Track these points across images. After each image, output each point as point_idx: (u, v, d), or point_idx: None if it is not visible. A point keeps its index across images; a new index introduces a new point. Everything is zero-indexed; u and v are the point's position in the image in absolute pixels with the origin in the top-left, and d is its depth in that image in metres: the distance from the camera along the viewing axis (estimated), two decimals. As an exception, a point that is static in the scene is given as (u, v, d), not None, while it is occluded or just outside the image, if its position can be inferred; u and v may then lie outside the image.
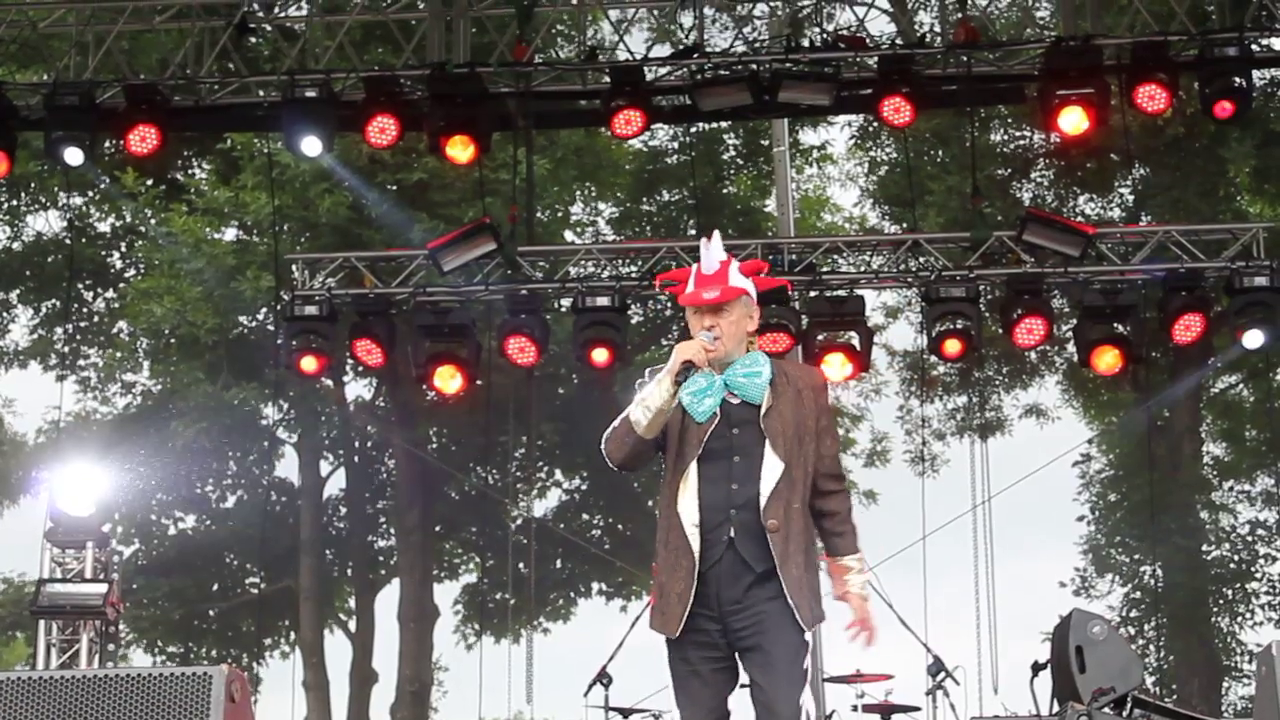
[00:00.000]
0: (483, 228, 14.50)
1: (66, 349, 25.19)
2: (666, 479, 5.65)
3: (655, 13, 15.28)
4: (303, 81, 13.59)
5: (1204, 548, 24.73)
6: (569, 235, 25.02)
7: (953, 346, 14.64)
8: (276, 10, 15.37)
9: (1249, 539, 25.47)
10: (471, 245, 14.35)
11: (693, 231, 24.44)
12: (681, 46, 13.85)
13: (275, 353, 18.43)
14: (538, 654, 22.40)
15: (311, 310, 14.83)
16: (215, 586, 27.18)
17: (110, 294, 25.55)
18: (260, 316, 24.05)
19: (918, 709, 11.78)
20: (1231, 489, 26.66)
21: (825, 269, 15.05)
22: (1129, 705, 10.69)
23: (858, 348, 14.87)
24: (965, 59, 13.49)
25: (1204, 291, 14.63)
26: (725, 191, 25.82)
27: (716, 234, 5.87)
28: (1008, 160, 24.39)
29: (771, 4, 16.23)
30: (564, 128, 20.74)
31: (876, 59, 13.54)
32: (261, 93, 14.03)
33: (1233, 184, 23.18)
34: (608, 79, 13.65)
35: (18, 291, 25.30)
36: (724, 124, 24.02)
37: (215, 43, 14.04)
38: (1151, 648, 24.18)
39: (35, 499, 25.22)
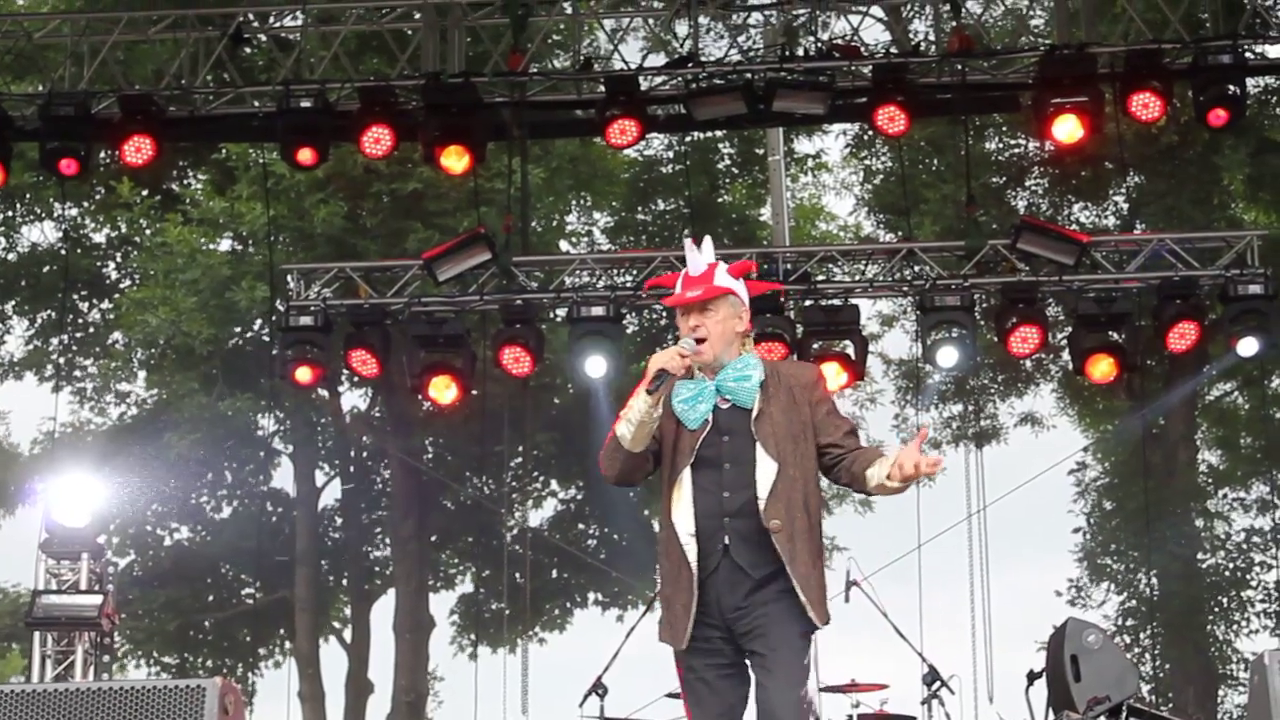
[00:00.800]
0: (477, 238, 14.51)
1: (62, 360, 25.16)
2: (662, 489, 5.65)
3: (650, 22, 15.29)
4: (298, 92, 13.61)
5: (1199, 556, 24.72)
6: (564, 245, 25.01)
7: (948, 355, 14.65)
8: (271, 21, 15.40)
9: (1244, 547, 25.45)
10: (466, 255, 14.36)
11: (688, 241, 24.43)
12: (676, 56, 13.87)
13: (270, 363, 18.43)
14: (534, 664, 22.34)
15: (306, 321, 14.82)
16: (211, 597, 27.16)
17: (105, 304, 25.52)
18: (255, 327, 24.05)
19: (913, 718, 11.76)
20: (1226, 497, 26.64)
21: (820, 278, 15.07)
22: (1124, 714, 10.68)
23: (853, 357, 14.86)
24: (960, 67, 13.51)
25: (1198, 299, 14.64)
26: (720, 200, 25.82)
27: (707, 239, 5.87)
28: (1002, 169, 24.42)
29: (766, 13, 16.25)
30: (559, 137, 20.73)
31: (871, 68, 13.57)
32: (257, 103, 14.05)
33: (1227, 192, 23.21)
34: (602, 88, 13.67)
35: (13, 302, 25.26)
36: (719, 133, 24.04)
37: (210, 53, 14.05)
38: (1147, 656, 24.16)
39: (30, 510, 25.20)
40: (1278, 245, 19.12)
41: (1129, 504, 24.64)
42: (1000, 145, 24.48)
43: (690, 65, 13.57)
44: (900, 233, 22.87)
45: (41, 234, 25.19)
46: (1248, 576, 25.14)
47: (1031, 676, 11.37)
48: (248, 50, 16.37)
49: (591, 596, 27.33)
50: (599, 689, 11.53)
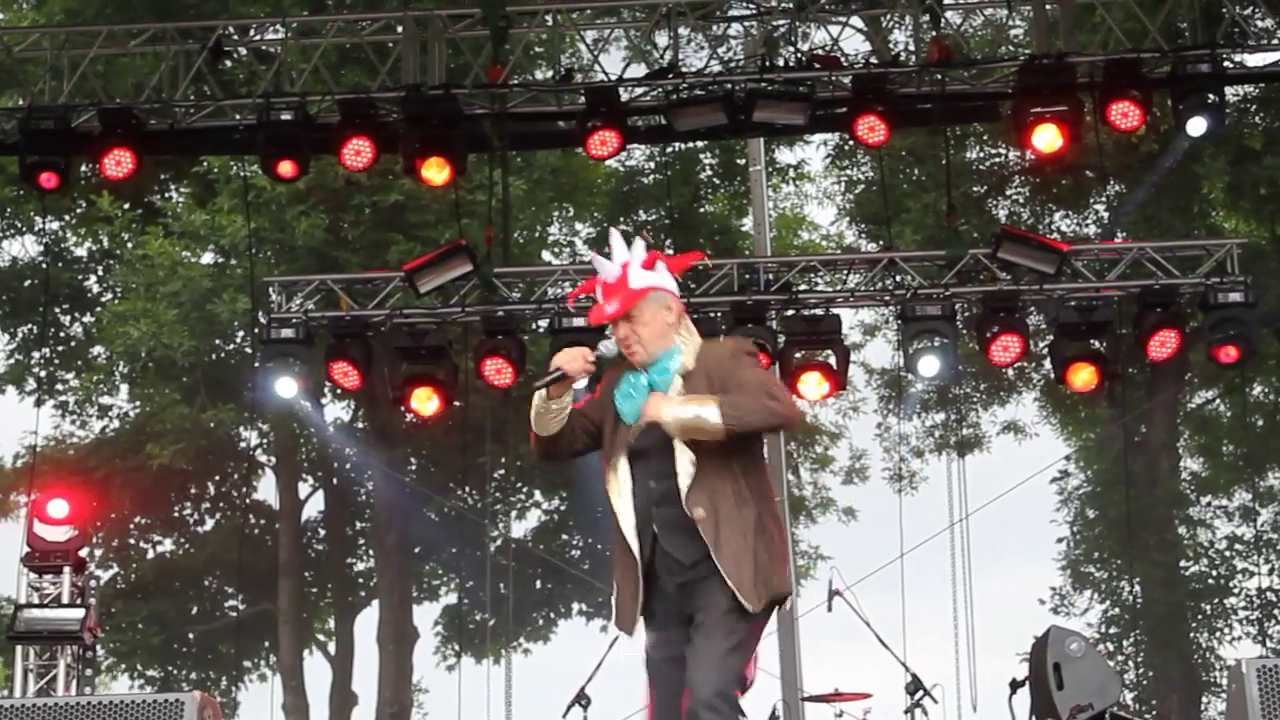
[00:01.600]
0: (459, 249, 14.49)
1: (43, 373, 25.12)
2: (606, 479, 5.72)
3: (631, 33, 15.30)
4: (278, 104, 13.59)
5: (1182, 563, 24.79)
6: (546, 256, 25.02)
7: (930, 365, 14.67)
8: (251, 34, 15.39)
9: (1227, 554, 25.53)
10: (448, 267, 14.34)
11: (670, 251, 24.46)
12: (657, 67, 13.88)
13: (252, 375, 18.41)
14: (517, 675, 22.30)
15: (288, 333, 14.81)
16: (194, 610, 27.12)
17: (87, 318, 25.49)
18: (238, 339, 24.03)
19: (897, 727, 11.79)
20: (1209, 504, 26.73)
21: (802, 287, 15.08)
22: (1107, 722, 10.71)
23: (835, 366, 14.88)
24: (939, 77, 13.52)
25: (1179, 307, 14.69)
26: (702, 211, 25.86)
27: (615, 235, 5.83)
28: (983, 178, 24.49)
29: (746, 24, 16.26)
30: (540, 149, 20.73)
31: (851, 78, 13.59)
32: (237, 116, 14.02)
33: (1206, 200, 23.28)
34: (583, 100, 13.66)
35: (-7, 316, 25.23)
36: (700, 144, 24.06)
37: (190, 66, 14.02)
38: (1130, 664, 24.21)
39: (12, 524, 25.16)
40: (1257, 253, 19.23)
41: (1111, 512, 24.70)
42: (981, 155, 24.55)
43: (671, 76, 13.58)
44: (881, 242, 22.92)
45: (22, 248, 25.19)
46: (1230, 584, 25.20)
47: (1014, 685, 11.38)
48: (228, 63, 16.34)
49: (575, 607, 27.32)
50: (582, 699, 11.55)
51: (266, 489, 27.42)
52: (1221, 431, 27.40)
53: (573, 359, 5.61)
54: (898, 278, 14.91)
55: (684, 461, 5.50)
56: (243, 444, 25.34)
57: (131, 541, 26.53)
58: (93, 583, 14.62)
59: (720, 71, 14.00)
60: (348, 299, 15.14)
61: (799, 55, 13.98)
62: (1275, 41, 13.69)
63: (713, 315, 14.90)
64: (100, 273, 25.44)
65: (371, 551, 27.18)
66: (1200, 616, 24.87)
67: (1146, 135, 20.63)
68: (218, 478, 26.81)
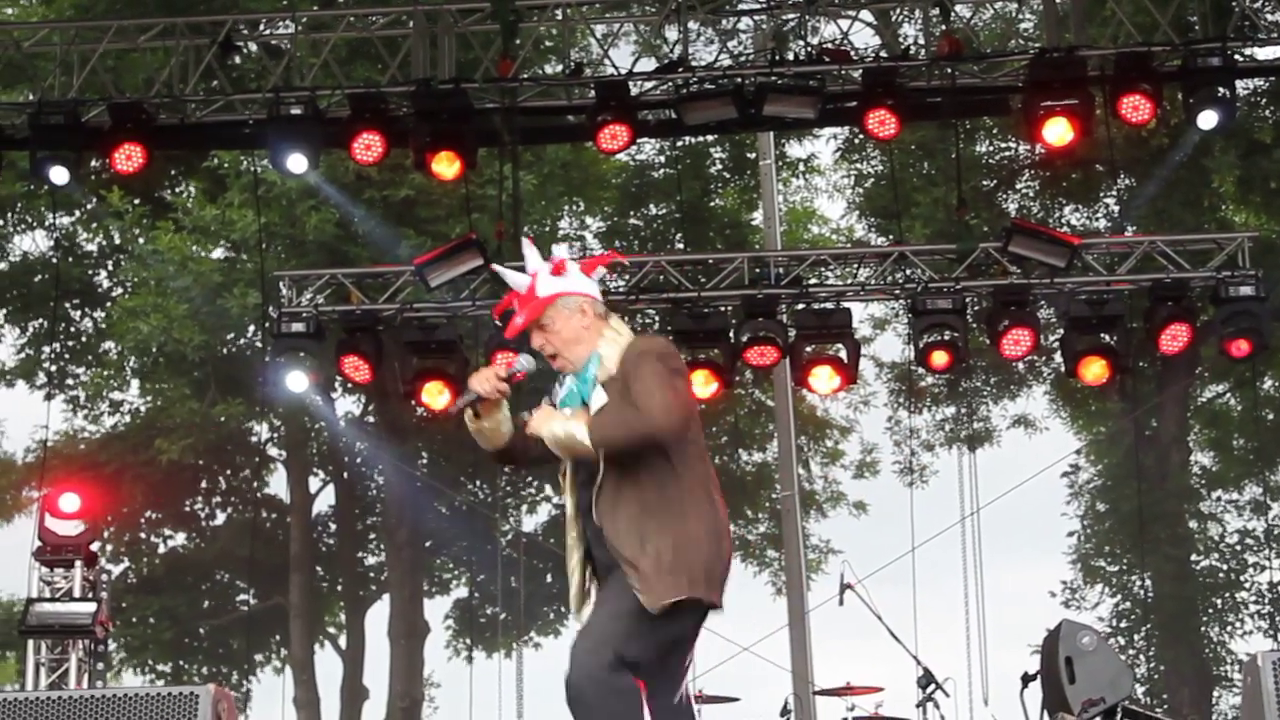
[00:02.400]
0: (469, 243, 14.49)
1: (54, 368, 25.16)
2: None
3: (641, 27, 15.29)
4: (288, 99, 13.56)
5: (1193, 557, 24.78)
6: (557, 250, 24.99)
7: (940, 358, 14.66)
8: (262, 28, 15.39)
9: (1237, 548, 25.52)
10: (458, 261, 14.34)
11: (680, 245, 24.49)
12: (666, 61, 13.86)
13: (263, 370, 18.42)
14: (528, 668, 22.41)
15: (299, 327, 14.82)
16: (205, 604, 27.18)
17: (98, 313, 25.52)
18: (248, 334, 24.05)
19: (908, 721, 11.78)
20: (1219, 498, 26.72)
21: (812, 281, 15.07)
22: (1119, 716, 10.70)
23: (845, 360, 14.89)
24: (949, 71, 13.50)
25: (1190, 301, 14.65)
26: (712, 205, 25.87)
27: (526, 244, 5.78)
28: (993, 172, 24.46)
29: (756, 18, 16.24)
30: (550, 143, 20.74)
31: (861, 72, 13.56)
32: (247, 111, 14.01)
33: (1217, 194, 23.24)
34: (593, 94, 13.65)
35: (5, 312, 25.25)
36: (710, 138, 24.06)
37: (200, 61, 14.01)
38: (1141, 658, 24.22)
39: (24, 518, 25.21)
40: (1268, 247, 19.18)
41: (1122, 506, 24.70)
42: (991, 148, 24.52)
43: (680, 70, 13.56)
44: (892, 236, 22.89)
45: (33, 243, 25.26)
46: (1241, 578, 25.20)
47: (1026, 678, 11.38)
48: (238, 58, 16.34)
49: (586, 601, 27.30)
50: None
51: (277, 483, 27.51)
52: (1232, 425, 27.38)
53: (484, 380, 5.60)
54: (908, 271, 14.91)
55: (600, 471, 5.43)
56: (253, 438, 25.37)
57: (142, 536, 26.59)
58: (104, 577, 14.65)
59: (730, 65, 13.97)
60: (358, 293, 15.15)
61: (809, 49, 13.96)
62: (1286, 35, 13.67)
63: (723, 309, 14.92)
64: (111, 268, 25.47)
65: (382, 545, 27.21)
66: (1211, 610, 24.87)
67: (1157, 129, 20.61)
68: (228, 472, 26.85)
